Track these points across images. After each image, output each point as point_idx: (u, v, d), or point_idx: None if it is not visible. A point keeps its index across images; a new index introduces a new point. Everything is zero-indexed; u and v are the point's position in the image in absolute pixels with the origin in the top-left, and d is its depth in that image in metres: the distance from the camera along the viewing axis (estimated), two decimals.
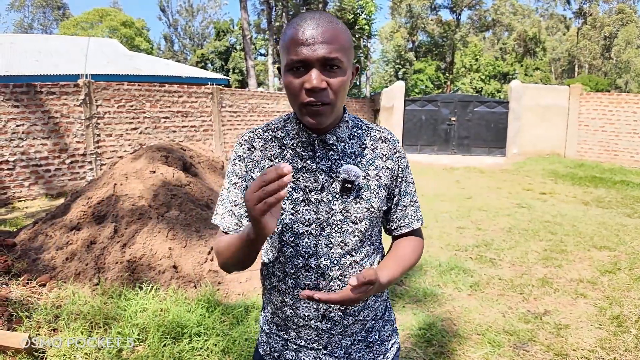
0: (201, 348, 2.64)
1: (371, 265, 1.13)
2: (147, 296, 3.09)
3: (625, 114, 11.30)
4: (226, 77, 18.68)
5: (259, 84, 28.63)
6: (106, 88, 8.53)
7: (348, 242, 1.06)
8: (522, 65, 36.41)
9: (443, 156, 13.62)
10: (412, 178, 1.20)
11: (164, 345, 2.62)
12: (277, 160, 1.08)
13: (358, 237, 1.07)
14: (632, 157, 11.19)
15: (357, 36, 23.64)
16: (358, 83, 33.31)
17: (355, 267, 1.08)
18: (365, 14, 22.99)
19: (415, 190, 1.21)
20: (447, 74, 33.66)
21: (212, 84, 10.90)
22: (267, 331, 1.19)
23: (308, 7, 23.70)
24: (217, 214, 1.14)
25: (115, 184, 4.31)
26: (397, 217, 1.18)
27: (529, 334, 3.06)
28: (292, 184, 1.05)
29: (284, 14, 22.76)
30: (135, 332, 2.69)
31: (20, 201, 7.40)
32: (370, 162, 1.09)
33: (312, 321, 1.09)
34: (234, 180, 1.12)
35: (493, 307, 3.49)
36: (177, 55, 43.39)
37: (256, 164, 1.10)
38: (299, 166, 1.06)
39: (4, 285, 3.16)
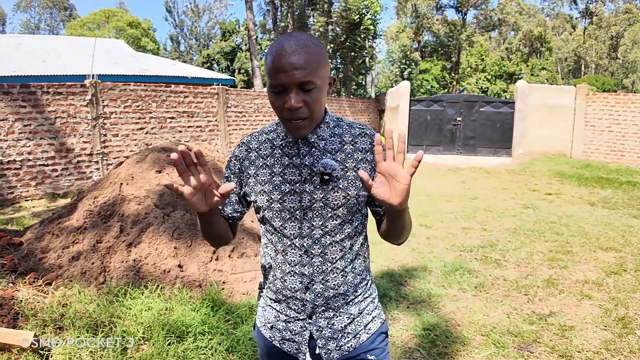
0: (205, 347, 2.65)
1: (352, 245, 1.28)
2: (152, 295, 3.11)
3: (632, 114, 11.21)
4: (232, 78, 18.72)
5: (265, 85, 28.66)
6: (112, 88, 8.59)
7: (328, 225, 1.23)
8: (528, 65, 36.21)
9: (449, 156, 13.58)
10: None
11: (169, 344, 2.63)
12: (269, 158, 1.27)
13: (337, 220, 1.23)
14: (639, 157, 11.10)
15: (362, 36, 23.63)
16: (364, 83, 33.27)
17: (335, 246, 1.25)
18: (370, 14, 22.96)
19: None
20: (452, 74, 33.53)
21: (218, 85, 10.93)
22: (263, 305, 1.38)
23: (313, 7, 23.72)
24: None
25: (121, 184, 4.34)
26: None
27: (534, 335, 3.05)
28: (280, 178, 1.24)
29: (289, 14, 22.78)
30: (140, 331, 2.71)
31: (27, 200, 7.47)
32: (349, 155, 1.24)
33: (298, 292, 1.26)
34: (226, 174, 1.35)
35: (498, 308, 3.48)
36: (183, 56, 43.56)
37: (252, 163, 1.29)
38: (286, 163, 1.25)
39: (10, 284, 3.19)
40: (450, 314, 3.38)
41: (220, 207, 1.34)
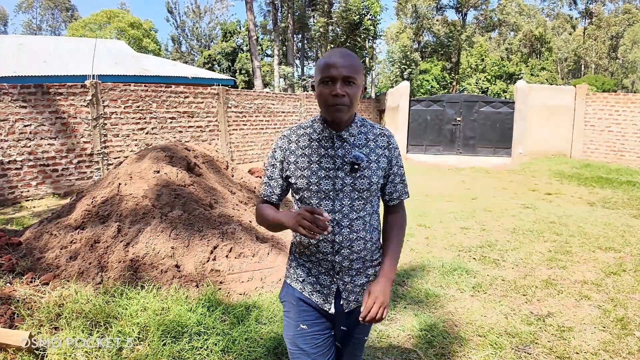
0: (201, 347, 2.65)
1: (371, 220, 1.62)
2: (148, 295, 3.11)
3: (632, 114, 11.19)
4: (232, 78, 18.73)
5: (265, 85, 28.67)
6: (113, 89, 8.59)
7: (354, 205, 1.56)
8: (528, 66, 36.12)
9: (448, 156, 13.56)
10: (402, 163, 1.69)
11: (164, 345, 2.63)
12: (307, 149, 1.58)
13: (361, 201, 1.57)
14: (638, 157, 11.07)
15: (362, 37, 23.61)
16: (364, 84, 33.15)
17: (359, 221, 1.58)
18: (370, 15, 22.95)
19: (404, 172, 1.70)
20: (453, 74, 33.46)
21: (218, 85, 10.93)
22: (295, 265, 1.68)
23: (314, 8, 23.71)
24: (262, 182, 1.71)
25: (119, 184, 4.34)
26: (390, 190, 1.67)
27: (532, 336, 3.04)
28: (317, 165, 1.56)
29: (289, 15, 22.78)
30: (136, 331, 2.70)
31: (28, 200, 7.47)
32: (372, 150, 1.59)
33: (329, 255, 1.58)
34: (272, 162, 1.65)
35: (495, 309, 3.47)
36: (185, 57, 43.56)
37: (292, 152, 1.60)
38: (322, 153, 1.56)
39: (8, 284, 3.19)
40: (448, 315, 3.37)
41: (271, 192, 1.67)
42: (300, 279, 1.65)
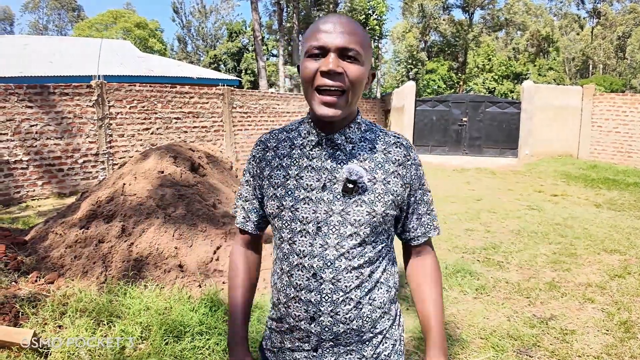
0: (203, 347, 2.66)
1: (372, 273, 1.08)
2: (151, 294, 3.13)
3: (639, 115, 11.11)
4: (237, 78, 18.79)
5: (271, 85, 28.72)
6: (118, 89, 8.64)
7: (344, 245, 1.03)
8: (535, 65, 35.96)
9: (454, 157, 13.52)
10: (428, 187, 1.18)
11: (166, 344, 2.64)
12: (285, 158, 1.11)
13: (356, 240, 1.03)
14: None
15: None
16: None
17: (352, 273, 1.04)
18: (376, 15, 22.94)
19: (432, 199, 1.20)
20: (459, 74, 33.39)
21: (223, 85, 10.97)
22: (270, 327, 1.20)
23: (319, 7, 23.72)
24: (234, 206, 1.27)
25: (123, 184, 4.37)
26: (413, 226, 1.16)
27: (534, 338, 3.03)
28: (295, 182, 1.07)
29: (294, 15, 22.81)
30: (139, 330, 2.72)
31: (34, 200, 7.54)
32: (380, 165, 1.07)
33: (302, 322, 1.07)
34: (246, 178, 1.21)
35: (498, 311, 3.46)
36: (190, 56, 43.75)
37: (268, 163, 1.14)
38: (304, 165, 1.08)
39: (13, 282, 3.22)
40: (450, 317, 3.36)
41: (244, 219, 1.23)
42: (275, 350, 1.18)
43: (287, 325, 1.11)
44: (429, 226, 1.18)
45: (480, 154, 13.53)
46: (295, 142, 1.12)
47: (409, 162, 1.10)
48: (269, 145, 1.16)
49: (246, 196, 1.21)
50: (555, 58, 37.02)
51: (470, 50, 33.77)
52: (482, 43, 35.04)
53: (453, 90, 32.11)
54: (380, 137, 1.11)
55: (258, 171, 1.16)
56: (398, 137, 1.13)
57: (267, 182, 1.13)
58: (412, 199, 1.13)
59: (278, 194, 1.09)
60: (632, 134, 11.25)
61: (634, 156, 11.20)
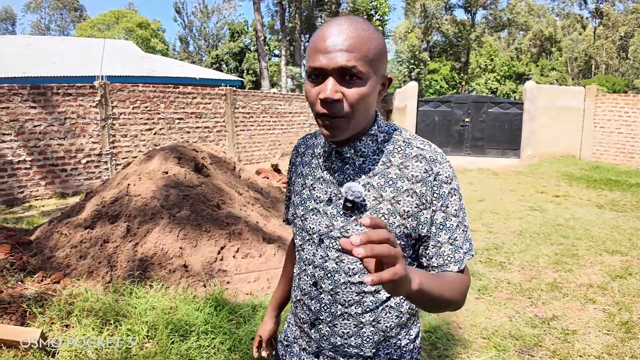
0: (208, 346, 2.69)
1: (376, 291, 1.00)
2: (156, 294, 3.16)
3: None
4: (240, 79, 18.83)
5: (273, 85, 28.75)
6: (121, 89, 8.69)
7: (344, 260, 0.99)
8: (537, 66, 35.94)
9: (456, 157, 13.52)
10: (456, 209, 0.99)
11: (172, 343, 2.68)
12: (306, 167, 1.11)
13: (356, 259, 0.97)
14: None
15: None
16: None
17: (351, 288, 1.00)
18: (378, 15, 22.95)
19: (458, 225, 0.99)
20: (462, 74, 33.39)
21: (226, 86, 11.01)
22: (288, 321, 1.25)
23: (321, 8, 23.75)
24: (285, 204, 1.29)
25: (128, 184, 4.40)
26: (428, 254, 0.99)
27: (535, 339, 3.05)
28: (308, 192, 1.07)
29: (297, 15, 22.84)
30: (145, 330, 2.76)
31: (37, 200, 7.58)
32: (391, 182, 0.96)
33: (305, 325, 1.09)
34: (288, 181, 1.23)
35: (500, 311, 3.49)
36: (192, 57, 43.84)
37: (295, 168, 1.16)
38: (318, 176, 1.06)
39: (19, 282, 3.26)
40: (452, 317, 3.39)
41: (292, 218, 1.18)
42: (286, 344, 1.20)
43: (296, 325, 1.16)
44: (448, 258, 0.98)
45: (483, 155, 13.54)
46: (315, 150, 1.10)
47: (430, 178, 0.95)
48: (299, 150, 1.17)
49: (289, 195, 1.23)
50: (557, 58, 37.00)
51: (472, 51, 33.78)
52: (484, 43, 35.03)
53: (455, 90, 32.12)
54: (398, 149, 0.99)
55: (290, 175, 1.19)
56: (422, 149, 0.98)
57: (292, 187, 1.17)
58: (430, 221, 0.96)
59: (295, 202, 1.11)
60: (634, 135, 11.25)
61: (637, 157, 11.19)
